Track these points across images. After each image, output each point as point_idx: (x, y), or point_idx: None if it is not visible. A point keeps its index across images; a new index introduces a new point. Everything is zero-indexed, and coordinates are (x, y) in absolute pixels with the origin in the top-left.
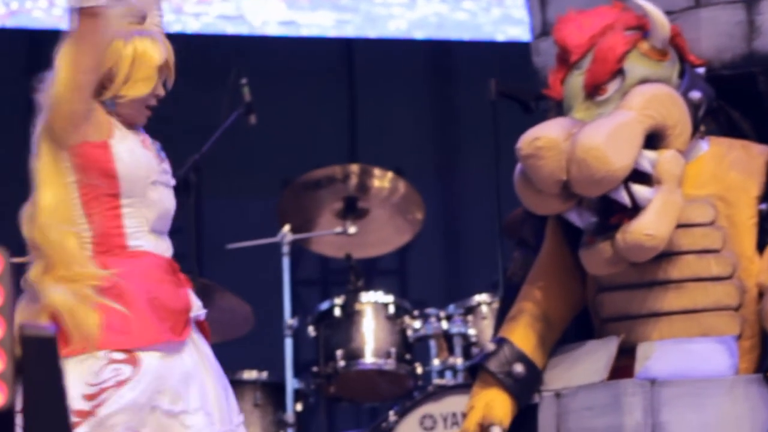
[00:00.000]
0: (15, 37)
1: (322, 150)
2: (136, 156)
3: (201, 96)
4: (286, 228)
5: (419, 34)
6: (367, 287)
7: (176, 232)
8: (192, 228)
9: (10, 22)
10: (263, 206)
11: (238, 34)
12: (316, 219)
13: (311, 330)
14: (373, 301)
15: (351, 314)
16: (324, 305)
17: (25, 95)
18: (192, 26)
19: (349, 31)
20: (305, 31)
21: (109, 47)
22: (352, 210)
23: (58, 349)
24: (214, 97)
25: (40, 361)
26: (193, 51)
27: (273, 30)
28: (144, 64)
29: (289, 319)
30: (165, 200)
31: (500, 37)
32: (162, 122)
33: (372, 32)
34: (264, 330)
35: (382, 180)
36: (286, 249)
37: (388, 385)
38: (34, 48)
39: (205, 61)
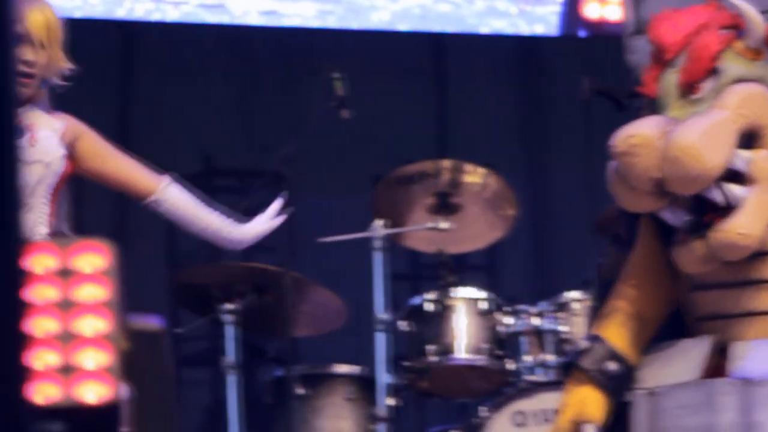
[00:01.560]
0: (107, 28)
1: (413, 145)
2: None
3: (295, 90)
4: (379, 223)
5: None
6: (459, 282)
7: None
8: (285, 222)
9: (99, 12)
10: (356, 201)
11: (332, 28)
12: (408, 214)
13: (403, 325)
14: (464, 296)
15: (443, 309)
16: (416, 300)
17: (118, 86)
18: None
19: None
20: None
21: None
22: (444, 205)
23: (165, 342)
24: (308, 92)
25: (147, 354)
26: (286, 45)
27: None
28: None
29: (381, 314)
30: None
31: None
32: (257, 115)
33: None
34: (356, 324)
35: (474, 176)
36: (378, 243)
37: (479, 380)
38: (126, 39)
39: (299, 55)
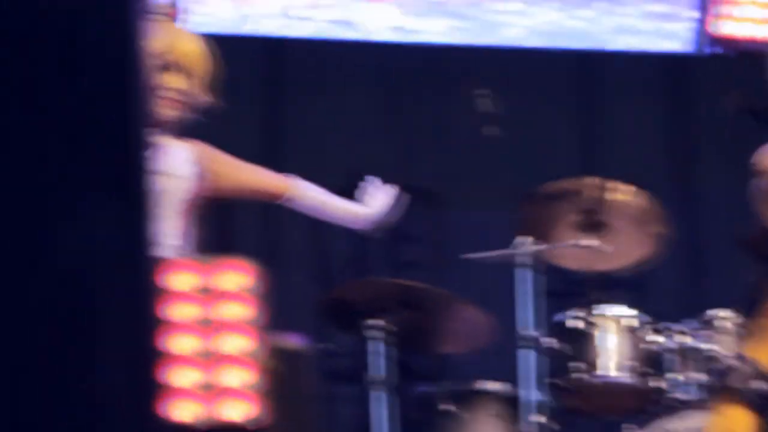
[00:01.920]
0: (250, 45)
1: (558, 162)
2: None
3: (439, 106)
4: (523, 239)
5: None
6: (605, 300)
7: (415, 241)
8: (432, 238)
9: (227, 28)
10: (502, 218)
11: (481, 45)
12: (554, 231)
13: (550, 342)
14: (612, 314)
15: (590, 327)
16: (562, 317)
17: (263, 103)
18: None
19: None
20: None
21: None
22: (590, 222)
23: (307, 360)
24: (452, 108)
25: (290, 372)
26: (434, 62)
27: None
28: None
29: (527, 331)
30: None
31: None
32: (403, 131)
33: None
34: (503, 341)
35: (622, 193)
36: (524, 260)
37: (627, 398)
38: (269, 55)
39: (442, 72)
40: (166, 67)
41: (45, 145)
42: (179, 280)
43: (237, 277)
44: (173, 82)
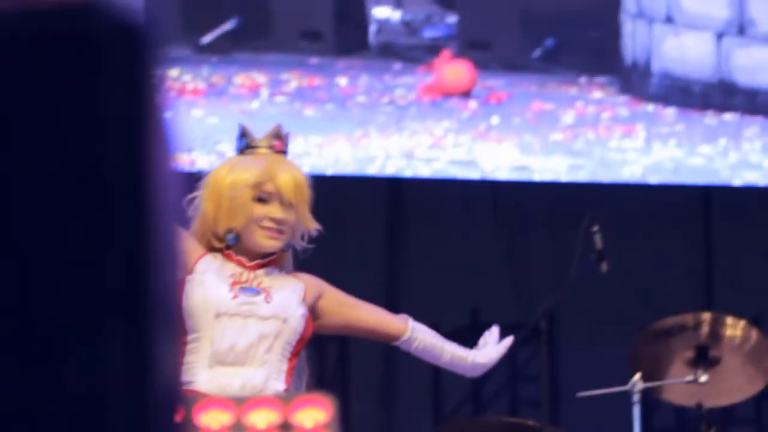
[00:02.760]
0: (373, 185)
1: (677, 299)
2: (206, 288)
3: (550, 242)
4: (637, 376)
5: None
6: None
7: (531, 379)
8: (545, 375)
9: (351, 170)
10: (616, 354)
11: (592, 182)
12: (668, 367)
13: None
14: None
15: None
16: None
17: (385, 240)
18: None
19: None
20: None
21: None
22: (703, 358)
23: None
24: (568, 245)
25: None
26: (545, 199)
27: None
28: (236, 191)
29: None
30: (233, 332)
31: None
32: (521, 268)
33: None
34: None
35: (734, 328)
36: (636, 397)
37: None
38: (392, 195)
39: (558, 208)
40: (263, 198)
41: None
42: (261, 416)
43: (315, 413)
44: (272, 212)
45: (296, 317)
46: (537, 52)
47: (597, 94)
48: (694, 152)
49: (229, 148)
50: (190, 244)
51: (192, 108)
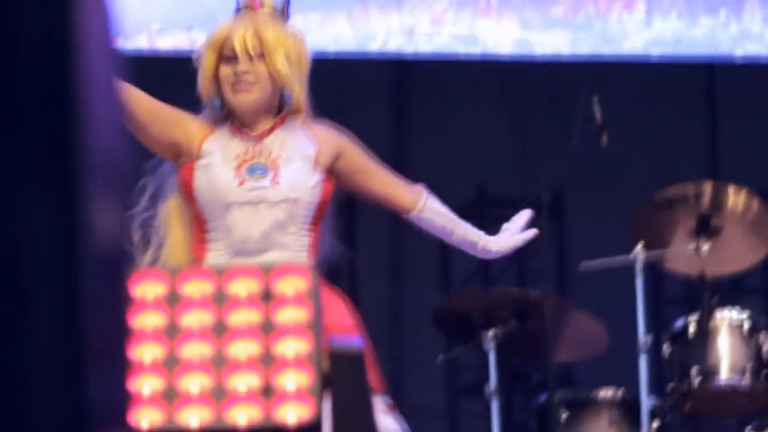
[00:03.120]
0: (375, 63)
1: (678, 169)
2: (211, 177)
3: (554, 117)
4: (639, 246)
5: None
6: (722, 304)
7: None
8: (545, 248)
9: (352, 47)
10: (618, 225)
11: (594, 55)
12: (670, 237)
13: (666, 348)
14: (727, 318)
15: (706, 332)
16: (678, 323)
17: (391, 119)
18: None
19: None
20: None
21: None
22: (705, 227)
23: (365, 364)
24: (571, 119)
25: (347, 376)
26: (546, 74)
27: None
28: (201, 53)
29: (643, 337)
30: (247, 223)
31: None
32: (527, 143)
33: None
34: (619, 348)
35: (736, 198)
36: (639, 267)
37: (744, 402)
38: (394, 72)
39: (561, 82)
40: (228, 57)
41: None
42: (240, 286)
43: (296, 281)
44: (235, 67)
45: (307, 191)
46: None
47: None
48: (695, 24)
49: None
50: (193, 125)
51: None
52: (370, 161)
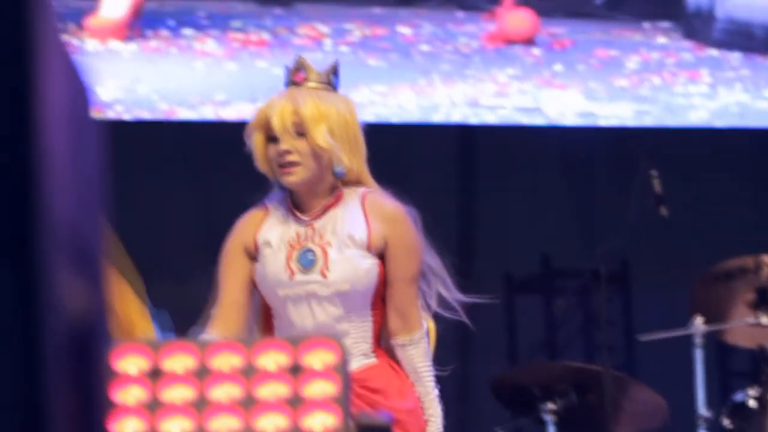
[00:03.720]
0: (440, 132)
1: (735, 241)
2: (266, 270)
3: (617, 186)
4: (699, 319)
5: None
6: None
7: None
8: (604, 321)
9: (416, 118)
10: (676, 298)
11: (651, 126)
12: (729, 310)
13: (726, 422)
14: None
15: (766, 406)
16: (738, 396)
17: (458, 188)
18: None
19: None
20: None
21: None
22: (765, 300)
23: None
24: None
25: None
26: (611, 144)
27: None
28: (248, 131)
29: (703, 411)
30: (300, 315)
31: None
32: (593, 215)
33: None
34: (678, 422)
35: None
36: (698, 340)
37: None
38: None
39: (625, 153)
40: (273, 137)
41: None
42: (269, 358)
43: (324, 354)
44: (278, 146)
45: (360, 280)
46: None
47: (661, 39)
48: (759, 96)
49: None
50: (245, 221)
51: (256, 59)
52: (402, 268)
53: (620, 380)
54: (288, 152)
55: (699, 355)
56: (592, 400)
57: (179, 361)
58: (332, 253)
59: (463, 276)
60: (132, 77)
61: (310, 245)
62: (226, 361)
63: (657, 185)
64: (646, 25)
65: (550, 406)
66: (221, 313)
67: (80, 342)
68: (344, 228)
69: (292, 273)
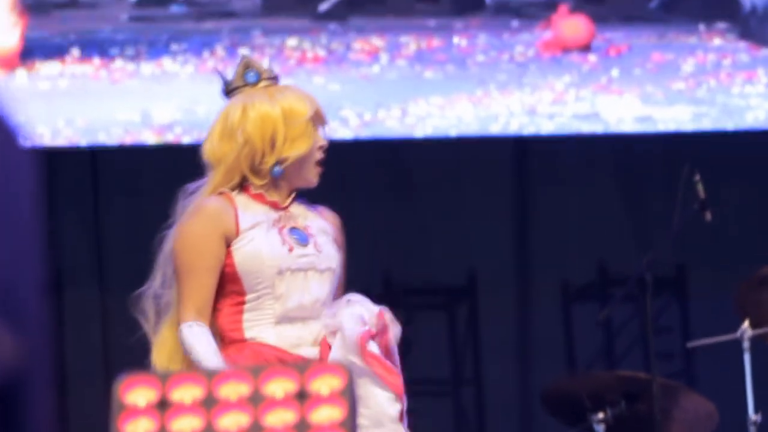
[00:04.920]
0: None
1: None
2: (257, 249)
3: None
4: (746, 323)
5: None
6: None
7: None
8: (650, 328)
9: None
10: (725, 302)
11: (693, 131)
12: None
13: None
14: None
15: None
16: None
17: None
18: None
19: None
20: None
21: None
22: None
23: None
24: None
25: None
26: (659, 148)
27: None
28: (295, 120)
29: (753, 416)
30: (298, 289)
31: None
32: (648, 221)
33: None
34: (729, 428)
35: None
36: (746, 345)
37: None
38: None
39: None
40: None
41: None
42: (276, 385)
43: (331, 380)
44: (322, 140)
45: (339, 265)
46: (654, 2)
47: (717, 41)
48: None
49: (351, 113)
50: (217, 208)
51: (313, 76)
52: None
53: (670, 388)
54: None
55: (747, 359)
56: (642, 409)
57: (187, 392)
58: (317, 237)
59: (521, 285)
60: (190, 99)
61: (296, 226)
62: (233, 390)
63: (700, 190)
64: (702, 26)
65: (600, 415)
66: (207, 305)
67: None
68: (315, 218)
69: (291, 247)
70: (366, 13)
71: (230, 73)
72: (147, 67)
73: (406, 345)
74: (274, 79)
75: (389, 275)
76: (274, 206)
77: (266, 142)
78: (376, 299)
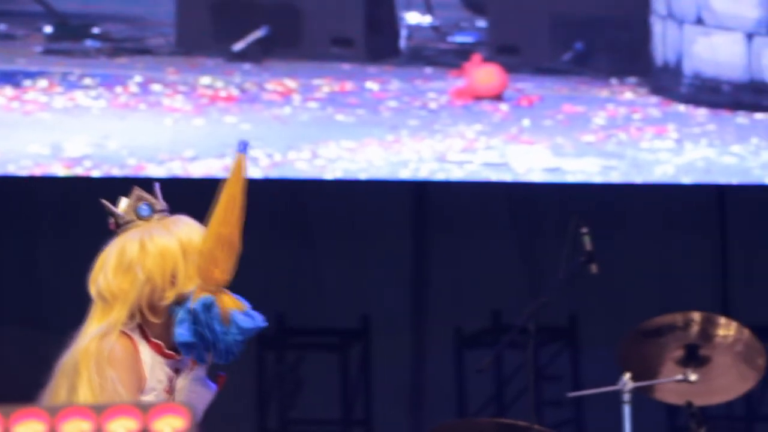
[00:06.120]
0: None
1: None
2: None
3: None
4: (627, 376)
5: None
6: None
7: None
8: (531, 377)
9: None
10: (604, 354)
11: (576, 182)
12: (658, 366)
13: None
14: None
15: None
16: None
17: (411, 242)
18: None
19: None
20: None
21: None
22: (693, 357)
23: None
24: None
25: None
26: (531, 200)
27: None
28: (194, 254)
29: None
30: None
31: None
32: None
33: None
34: None
35: (727, 328)
36: (627, 397)
37: None
38: (417, 198)
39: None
40: None
41: None
42: (119, 425)
43: (172, 420)
44: None
45: None
46: (567, 55)
47: (628, 95)
48: (726, 152)
49: (261, 153)
50: (131, 363)
51: (225, 115)
52: None
53: None
54: None
55: (627, 411)
56: None
57: (29, 428)
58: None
59: (415, 329)
60: (101, 133)
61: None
62: (76, 427)
63: (587, 242)
64: (614, 80)
65: None
66: None
67: None
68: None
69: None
70: (280, 54)
71: (117, 205)
72: (59, 100)
73: (296, 385)
74: (166, 211)
75: (283, 316)
76: (171, 358)
77: (166, 279)
78: (269, 339)
